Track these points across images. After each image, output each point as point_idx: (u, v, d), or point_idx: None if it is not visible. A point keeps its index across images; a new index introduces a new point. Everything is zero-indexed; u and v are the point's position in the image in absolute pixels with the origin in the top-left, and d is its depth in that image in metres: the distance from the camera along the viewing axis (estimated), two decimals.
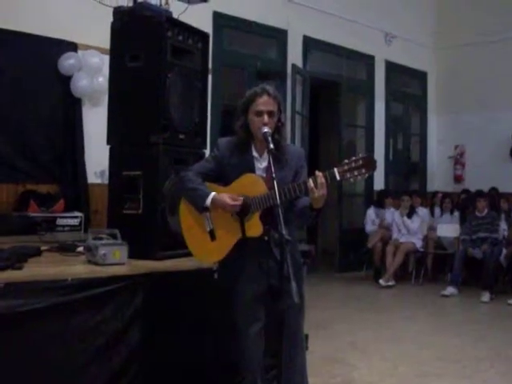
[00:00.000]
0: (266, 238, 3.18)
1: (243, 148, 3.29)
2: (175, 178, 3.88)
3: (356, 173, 2.99)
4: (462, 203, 9.93)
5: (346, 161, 3.01)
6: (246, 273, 3.25)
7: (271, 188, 3.03)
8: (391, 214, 9.75)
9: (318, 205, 3.06)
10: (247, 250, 3.21)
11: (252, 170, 3.27)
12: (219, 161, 3.33)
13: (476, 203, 8.94)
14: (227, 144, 3.36)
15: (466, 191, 10.51)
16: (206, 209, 3.27)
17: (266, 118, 3.18)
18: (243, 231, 3.21)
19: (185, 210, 3.41)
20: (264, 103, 3.20)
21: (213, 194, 3.24)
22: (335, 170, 3.00)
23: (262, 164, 3.28)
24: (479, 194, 9.19)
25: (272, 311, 3.17)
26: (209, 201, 3.23)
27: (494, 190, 10.08)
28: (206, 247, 3.34)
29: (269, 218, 3.11)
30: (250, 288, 3.25)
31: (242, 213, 3.19)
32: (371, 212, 9.96)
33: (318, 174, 3.00)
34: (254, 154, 3.30)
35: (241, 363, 3.32)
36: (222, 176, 3.33)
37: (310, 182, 3.00)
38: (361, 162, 2.98)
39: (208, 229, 3.31)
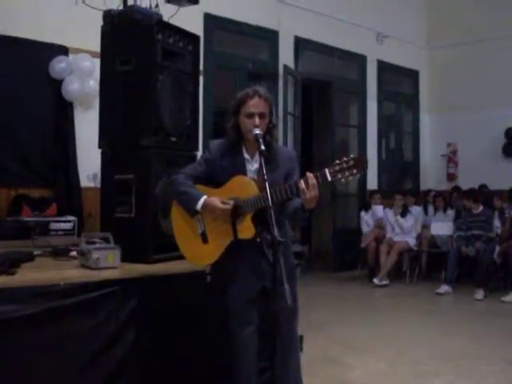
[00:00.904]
0: (259, 239, 3.17)
1: (234, 150, 3.30)
2: (166, 180, 3.88)
3: (347, 173, 2.99)
4: (455, 201, 9.94)
5: (337, 161, 3.01)
6: (238, 275, 3.25)
7: (263, 190, 3.03)
8: (379, 211, 9.78)
9: (310, 206, 3.07)
10: (240, 252, 3.21)
11: (243, 172, 3.27)
12: (210, 163, 3.33)
13: (464, 203, 9.00)
14: (218, 146, 3.36)
15: (456, 189, 10.52)
16: (197, 212, 3.27)
17: (257, 120, 3.18)
18: (235, 233, 3.21)
19: (176, 212, 3.41)
20: (255, 105, 3.20)
21: (204, 197, 3.24)
22: (326, 170, 3.00)
23: (253, 166, 3.28)
24: (466, 193, 9.24)
25: (265, 313, 3.17)
26: (200, 204, 3.23)
27: (483, 186, 10.10)
28: (198, 250, 3.34)
29: (261, 219, 3.11)
30: (243, 290, 3.25)
31: (234, 215, 3.19)
32: (364, 215, 10.00)
33: (309, 175, 3.00)
34: (245, 155, 3.30)
35: (234, 365, 3.32)
36: (213, 178, 3.33)
37: (302, 184, 3.00)
38: (351, 162, 2.98)
39: (200, 231, 3.31)
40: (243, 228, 3.18)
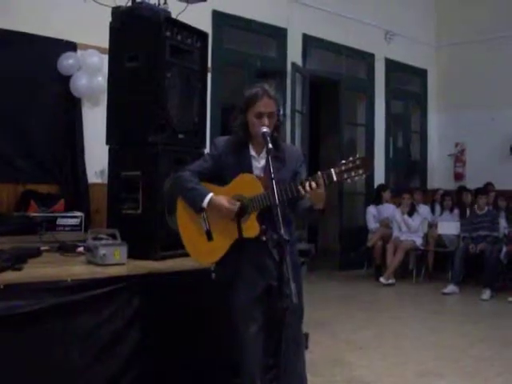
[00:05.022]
0: (264, 238, 3.16)
1: (241, 147, 3.29)
2: (172, 177, 3.88)
3: (353, 173, 2.97)
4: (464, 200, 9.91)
5: (343, 161, 2.99)
6: (243, 273, 3.24)
7: (268, 188, 3.02)
8: (389, 210, 9.76)
9: (318, 205, 3.06)
10: (244, 250, 3.21)
11: (250, 169, 3.26)
12: (217, 160, 3.32)
13: (477, 200, 8.95)
14: (225, 143, 3.35)
15: (463, 188, 10.46)
16: (203, 209, 3.27)
17: (266, 120, 3.17)
18: (240, 232, 3.20)
19: (182, 210, 3.41)
20: (264, 105, 3.19)
21: (210, 194, 3.24)
22: (332, 170, 2.99)
23: (259, 163, 3.27)
24: (480, 191, 9.20)
25: (271, 312, 3.16)
26: (206, 202, 3.23)
27: (489, 184, 10.03)
28: (202, 248, 3.33)
29: (266, 218, 3.10)
30: (248, 288, 3.23)
31: (239, 213, 3.18)
32: (371, 209, 9.96)
33: (317, 175, 2.99)
34: (252, 153, 3.29)
35: (240, 364, 3.31)
36: (219, 175, 3.32)
37: (306, 186, 2.99)
38: (358, 162, 2.97)
39: (204, 229, 3.30)
40: (248, 227, 3.17)
